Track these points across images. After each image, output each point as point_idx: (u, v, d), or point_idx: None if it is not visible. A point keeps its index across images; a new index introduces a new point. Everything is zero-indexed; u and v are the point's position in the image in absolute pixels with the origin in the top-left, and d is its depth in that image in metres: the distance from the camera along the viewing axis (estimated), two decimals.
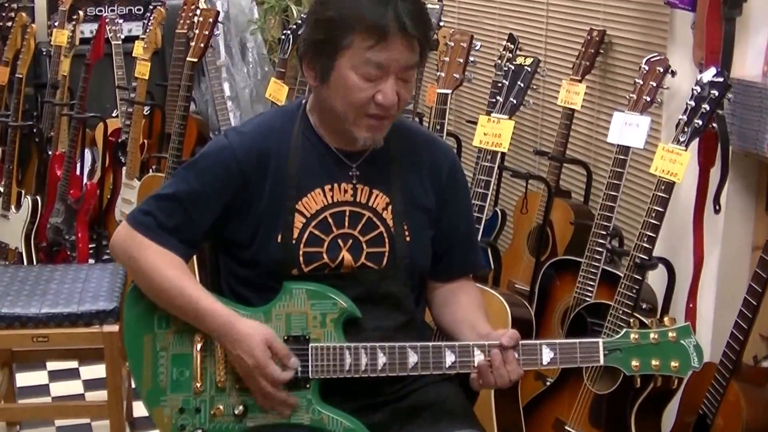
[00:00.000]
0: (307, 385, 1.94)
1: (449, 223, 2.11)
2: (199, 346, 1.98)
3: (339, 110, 1.95)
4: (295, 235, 1.99)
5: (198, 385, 1.98)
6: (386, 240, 2.03)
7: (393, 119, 1.99)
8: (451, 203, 2.11)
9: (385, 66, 1.89)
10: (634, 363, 1.89)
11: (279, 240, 1.99)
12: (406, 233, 2.04)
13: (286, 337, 1.95)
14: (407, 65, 1.91)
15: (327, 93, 1.95)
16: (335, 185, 2.02)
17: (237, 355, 1.92)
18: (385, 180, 2.05)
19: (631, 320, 1.99)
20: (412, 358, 1.91)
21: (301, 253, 1.99)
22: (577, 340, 1.92)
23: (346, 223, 2.02)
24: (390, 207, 2.04)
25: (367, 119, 1.94)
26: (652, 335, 1.89)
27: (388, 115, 1.95)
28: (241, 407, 1.96)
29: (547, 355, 1.91)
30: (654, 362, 1.88)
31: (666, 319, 1.92)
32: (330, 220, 2.01)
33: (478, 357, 1.91)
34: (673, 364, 1.88)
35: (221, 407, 1.97)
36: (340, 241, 2.01)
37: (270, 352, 1.91)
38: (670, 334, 1.88)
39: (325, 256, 2.00)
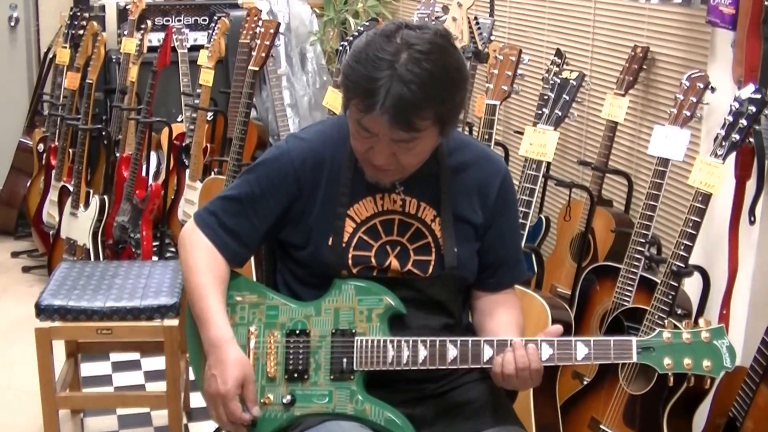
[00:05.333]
0: (352, 377, 1.98)
1: (495, 239, 2.12)
2: (252, 339, 2.03)
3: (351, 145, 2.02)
4: (345, 238, 2.04)
5: None
6: (433, 250, 2.05)
7: (403, 173, 2.00)
8: (498, 221, 2.12)
9: (372, 132, 1.89)
10: (666, 361, 1.90)
11: (330, 243, 2.03)
12: (453, 245, 2.05)
13: (333, 330, 2.00)
14: (398, 138, 1.88)
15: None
16: (385, 194, 2.06)
17: (212, 374, 1.95)
18: (433, 194, 2.07)
19: (666, 321, 1.99)
20: (452, 352, 1.94)
21: (350, 256, 2.03)
22: (612, 338, 1.93)
23: (395, 231, 2.05)
24: (438, 219, 2.06)
25: (369, 164, 1.98)
26: (685, 335, 1.90)
27: (384, 170, 1.97)
28: (289, 397, 2.00)
29: (581, 351, 1.93)
30: (687, 361, 1.89)
31: (701, 320, 1.92)
32: (379, 227, 2.05)
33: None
34: (705, 363, 1.88)
35: (271, 396, 2.01)
36: (388, 247, 2.05)
37: (241, 390, 1.95)
38: (704, 334, 1.89)
39: (373, 260, 2.04)
